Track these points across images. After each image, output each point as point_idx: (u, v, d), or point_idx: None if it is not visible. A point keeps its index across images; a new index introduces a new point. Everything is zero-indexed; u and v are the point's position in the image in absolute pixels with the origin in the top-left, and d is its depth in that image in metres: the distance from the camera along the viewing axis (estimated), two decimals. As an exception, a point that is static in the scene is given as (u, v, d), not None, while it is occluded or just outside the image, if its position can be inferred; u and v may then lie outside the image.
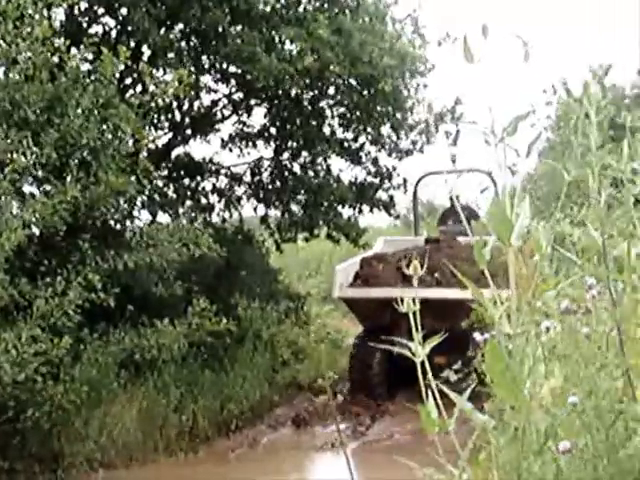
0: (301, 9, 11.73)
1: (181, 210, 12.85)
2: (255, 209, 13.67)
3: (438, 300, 10.61)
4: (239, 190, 13.49)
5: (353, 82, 12.07)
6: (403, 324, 12.54)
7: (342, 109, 12.74)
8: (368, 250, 13.79)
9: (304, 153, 13.05)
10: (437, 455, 2.60)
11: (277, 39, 11.40)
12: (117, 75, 8.86)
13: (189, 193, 13.15)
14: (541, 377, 2.31)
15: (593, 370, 1.98)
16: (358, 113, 12.49)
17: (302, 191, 13.05)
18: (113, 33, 11.28)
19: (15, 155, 7.86)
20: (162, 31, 11.12)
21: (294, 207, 13.23)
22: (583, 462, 1.92)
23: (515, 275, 2.47)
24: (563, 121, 15.79)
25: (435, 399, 2.61)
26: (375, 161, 13.38)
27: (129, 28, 11.09)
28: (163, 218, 12.12)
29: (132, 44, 10.23)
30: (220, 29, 11.24)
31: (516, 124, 2.41)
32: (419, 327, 10.48)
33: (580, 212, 2.38)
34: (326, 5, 11.78)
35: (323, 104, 12.76)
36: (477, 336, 2.76)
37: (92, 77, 8.67)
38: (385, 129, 12.94)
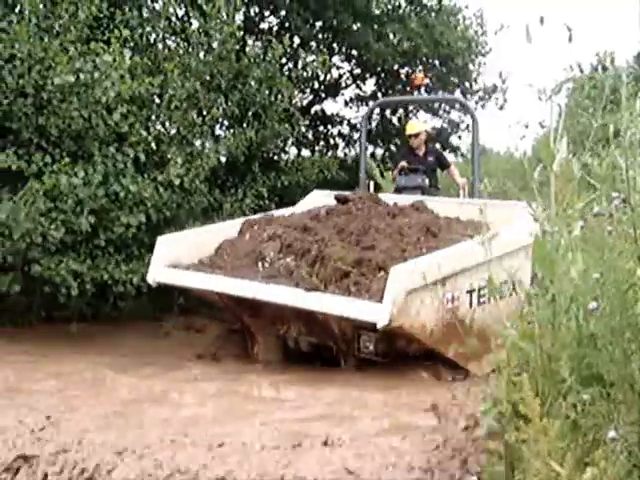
0: (400, 11, 11.52)
1: (317, 148, 12.86)
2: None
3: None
4: (356, 135, 13.37)
5: (436, 61, 11.80)
6: (258, 331, 6.13)
7: (427, 80, 12.45)
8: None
9: (400, 110, 12.81)
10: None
11: (384, 31, 11.18)
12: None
13: (322, 136, 13.11)
14: (571, 260, 2.27)
15: (615, 255, 1.93)
16: (438, 82, 12.18)
17: (398, 136, 12.84)
18: (275, 28, 11.23)
19: (212, 109, 7.93)
20: (308, 27, 11.18)
21: (392, 147, 13.01)
22: (601, 319, 1.89)
23: (554, 191, 2.41)
24: (577, 91, 15.16)
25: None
26: (448, 114, 13.06)
27: (286, 25, 11.17)
28: (305, 153, 12.15)
29: (287, 35, 10.10)
30: (346, 26, 11.20)
31: (561, 86, 2.34)
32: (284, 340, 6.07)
33: (604, 150, 2.30)
34: (417, 8, 11.53)
35: (414, 77, 12.50)
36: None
37: (262, 58, 8.66)
38: (456, 93, 12.59)
